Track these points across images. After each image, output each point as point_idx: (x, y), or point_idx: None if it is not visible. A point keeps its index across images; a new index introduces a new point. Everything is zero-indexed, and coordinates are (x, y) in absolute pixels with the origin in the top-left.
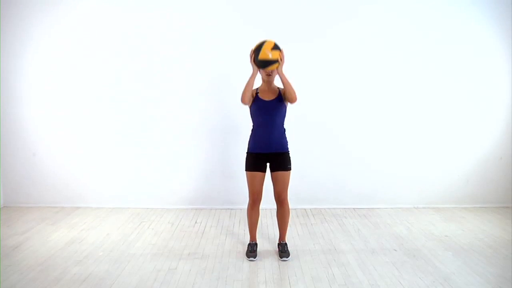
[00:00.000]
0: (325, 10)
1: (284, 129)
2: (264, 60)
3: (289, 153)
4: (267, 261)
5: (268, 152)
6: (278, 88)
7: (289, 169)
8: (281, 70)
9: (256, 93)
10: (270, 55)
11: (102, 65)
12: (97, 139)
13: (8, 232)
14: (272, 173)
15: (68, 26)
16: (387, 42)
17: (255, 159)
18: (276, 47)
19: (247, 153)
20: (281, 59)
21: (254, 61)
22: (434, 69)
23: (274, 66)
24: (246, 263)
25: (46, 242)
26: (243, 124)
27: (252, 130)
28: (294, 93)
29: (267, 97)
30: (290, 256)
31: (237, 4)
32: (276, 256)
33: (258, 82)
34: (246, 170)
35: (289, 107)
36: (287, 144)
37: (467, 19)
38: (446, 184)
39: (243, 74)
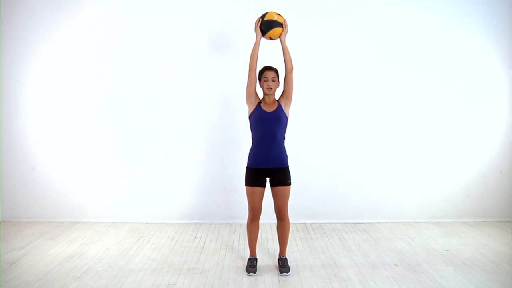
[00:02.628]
0: (317, 26)
1: (284, 144)
2: (269, 20)
3: (289, 168)
4: (267, 276)
5: (267, 167)
6: (277, 100)
7: (289, 184)
8: (284, 39)
9: (259, 103)
10: (276, 17)
11: (102, 80)
12: (96, 154)
13: (6, 247)
14: (272, 188)
15: (67, 39)
16: (386, 55)
17: (254, 174)
18: (280, 15)
19: (246, 168)
20: (285, 26)
21: (260, 25)
22: (435, 84)
23: (277, 31)
24: (246, 278)
25: (44, 257)
26: (243, 138)
27: (252, 145)
28: (290, 60)
29: (268, 108)
30: (290, 271)
31: (242, 15)
32: (276, 271)
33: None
34: (245, 185)
35: (289, 121)
36: (287, 159)
37: (468, 30)
38: (447, 199)
39: (244, 88)
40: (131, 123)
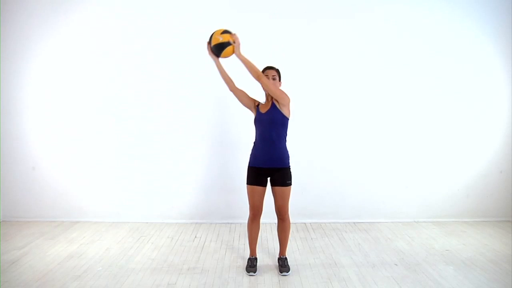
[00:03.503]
0: (316, 30)
1: (285, 144)
2: (216, 45)
3: (289, 169)
4: (267, 276)
5: (267, 166)
6: (272, 99)
7: (289, 184)
8: (239, 52)
9: (257, 105)
10: (220, 39)
11: (102, 80)
12: (96, 154)
13: (6, 246)
14: (272, 187)
15: (68, 39)
16: (386, 55)
17: (255, 173)
18: (225, 31)
19: (248, 167)
20: (234, 41)
21: (211, 51)
22: (435, 84)
23: (229, 50)
24: (246, 278)
25: (44, 257)
26: (243, 138)
27: (253, 144)
28: (254, 69)
29: (263, 109)
30: (290, 271)
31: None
32: (276, 271)
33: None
34: (246, 183)
35: (290, 122)
36: (288, 160)
37: (468, 30)
38: (447, 198)
39: (244, 88)
40: (131, 122)
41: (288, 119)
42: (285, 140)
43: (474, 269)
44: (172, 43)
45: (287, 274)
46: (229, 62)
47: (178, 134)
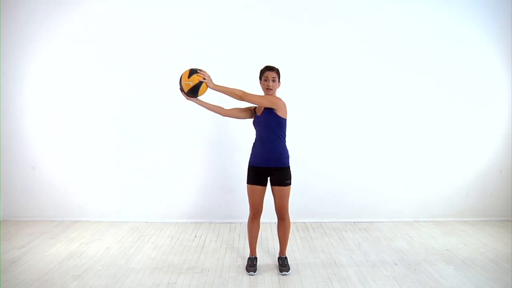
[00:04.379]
0: (316, 29)
1: (284, 144)
2: (190, 90)
3: (289, 168)
4: (267, 275)
5: (266, 166)
6: None
7: (288, 184)
8: (213, 86)
9: (254, 109)
10: (190, 83)
11: (102, 80)
12: (96, 153)
13: (6, 246)
14: (272, 187)
15: (67, 39)
16: (386, 56)
17: (254, 172)
18: (191, 72)
19: (248, 166)
20: (204, 78)
21: (187, 96)
22: (435, 84)
23: (204, 87)
24: (246, 277)
25: (44, 256)
26: (242, 138)
27: (253, 144)
28: (235, 93)
29: (259, 112)
30: (290, 270)
31: (242, 22)
32: (276, 270)
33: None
34: (247, 183)
35: (290, 122)
36: (288, 159)
37: (468, 30)
38: (447, 198)
39: (243, 88)
40: (131, 122)
41: (284, 119)
42: (284, 140)
43: (474, 268)
44: (172, 43)
45: (287, 273)
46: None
47: (178, 134)
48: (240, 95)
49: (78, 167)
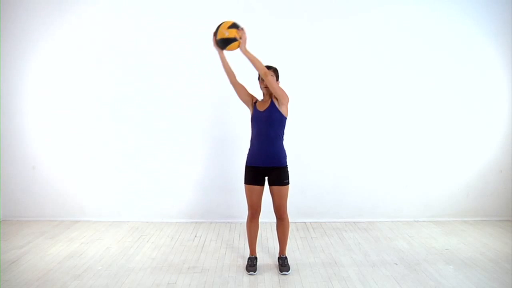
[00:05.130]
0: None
1: (282, 143)
2: (222, 39)
3: (287, 168)
4: (267, 275)
5: (264, 165)
6: (271, 98)
7: (286, 184)
8: (245, 49)
9: (255, 103)
10: (226, 33)
11: (102, 80)
12: (96, 153)
13: (6, 246)
14: (270, 187)
15: (68, 38)
16: (386, 55)
17: (252, 172)
18: (233, 26)
19: (245, 166)
20: (240, 37)
21: (216, 44)
22: (435, 84)
23: (235, 45)
24: (246, 277)
25: (44, 256)
26: (242, 137)
27: (250, 143)
28: (261, 67)
29: (261, 107)
30: (290, 270)
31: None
32: (276, 270)
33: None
34: (244, 183)
35: (289, 121)
36: (285, 159)
37: (468, 30)
38: (447, 198)
39: (244, 83)
40: (131, 122)
41: (286, 118)
42: (282, 139)
43: (474, 268)
44: (172, 43)
45: (287, 273)
46: (233, 56)
47: (178, 134)
48: (265, 71)
49: (78, 167)
